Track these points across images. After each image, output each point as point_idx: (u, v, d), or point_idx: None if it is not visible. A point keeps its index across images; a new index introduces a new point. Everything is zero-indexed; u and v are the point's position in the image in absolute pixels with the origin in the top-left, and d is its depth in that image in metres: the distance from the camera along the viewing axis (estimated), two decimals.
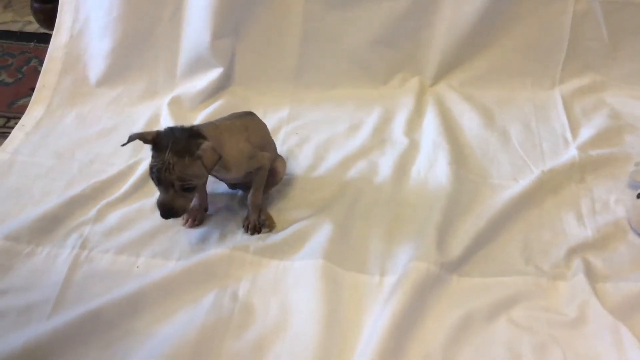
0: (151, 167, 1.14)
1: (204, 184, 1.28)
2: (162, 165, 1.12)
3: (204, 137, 1.15)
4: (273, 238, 1.26)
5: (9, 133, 1.55)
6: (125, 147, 1.48)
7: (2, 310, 1.13)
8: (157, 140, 1.14)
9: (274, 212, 1.33)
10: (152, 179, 1.15)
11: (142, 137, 1.16)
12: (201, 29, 1.61)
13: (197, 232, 1.29)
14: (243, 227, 1.28)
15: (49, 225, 1.29)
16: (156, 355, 1.05)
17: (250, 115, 1.35)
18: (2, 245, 1.24)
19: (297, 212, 1.32)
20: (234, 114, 1.34)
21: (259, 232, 1.27)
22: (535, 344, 1.09)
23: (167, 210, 1.14)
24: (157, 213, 1.28)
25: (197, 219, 1.30)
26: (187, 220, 1.30)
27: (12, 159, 1.47)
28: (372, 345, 1.04)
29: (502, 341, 1.09)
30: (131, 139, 1.16)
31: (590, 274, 1.19)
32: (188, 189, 1.15)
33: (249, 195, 1.28)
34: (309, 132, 1.56)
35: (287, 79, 1.68)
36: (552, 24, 1.64)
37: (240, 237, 1.27)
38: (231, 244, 1.25)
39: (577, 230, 1.29)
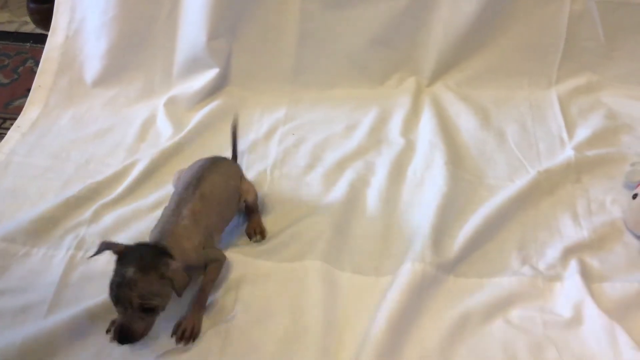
0: (111, 284, 1.03)
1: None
2: (122, 280, 1.02)
3: (170, 255, 1.05)
4: (270, 239, 1.26)
5: (5, 134, 1.55)
6: (120, 148, 1.51)
7: None
8: (124, 254, 1.05)
9: (270, 213, 1.33)
10: (111, 297, 1.03)
11: (111, 247, 1.07)
12: (197, 29, 1.61)
13: None
14: (173, 333, 1.10)
15: (44, 226, 1.29)
16: (154, 356, 1.05)
17: (211, 167, 1.23)
18: None
19: (294, 213, 1.32)
20: (196, 164, 1.25)
21: (193, 340, 1.09)
22: (531, 344, 1.09)
23: (124, 333, 1.01)
24: (153, 214, 1.29)
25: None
26: None
27: (8, 160, 1.47)
28: (369, 345, 1.05)
29: (498, 341, 1.09)
30: (100, 248, 1.07)
31: (586, 274, 1.18)
32: (148, 310, 1.03)
33: (196, 293, 1.13)
34: (305, 133, 1.56)
35: (284, 79, 1.68)
36: (548, 23, 1.64)
37: (238, 239, 1.27)
38: (229, 246, 1.25)
39: (573, 231, 1.29)
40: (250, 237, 1.27)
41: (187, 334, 1.09)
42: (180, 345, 1.08)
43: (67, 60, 1.69)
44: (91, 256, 1.09)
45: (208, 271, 1.14)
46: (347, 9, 1.63)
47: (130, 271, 1.02)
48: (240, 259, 1.22)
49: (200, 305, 1.12)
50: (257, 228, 1.28)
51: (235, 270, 1.20)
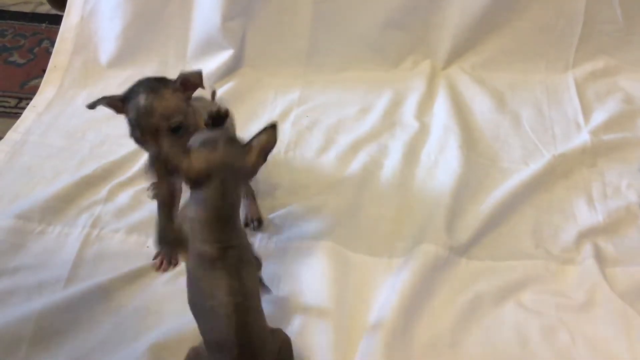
0: (131, 126, 0.97)
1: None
2: (138, 113, 0.96)
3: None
4: (281, 218, 1.27)
5: (21, 114, 1.56)
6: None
7: (14, 287, 1.14)
8: (127, 94, 1.00)
9: (283, 193, 1.33)
10: (134, 137, 0.98)
11: (110, 99, 1.01)
12: (211, 10, 1.60)
13: None
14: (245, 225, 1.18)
15: (60, 205, 1.30)
16: (166, 333, 1.06)
17: None
18: (14, 224, 1.25)
19: (307, 194, 1.32)
20: None
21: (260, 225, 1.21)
22: (543, 327, 1.09)
23: (169, 162, 0.86)
24: None
25: (173, 259, 1.18)
26: (160, 264, 1.17)
27: (24, 139, 1.48)
28: (380, 326, 1.05)
29: (510, 324, 1.09)
30: (98, 102, 1.02)
31: (600, 258, 1.18)
32: (177, 129, 0.98)
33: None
34: (319, 115, 1.56)
35: (298, 61, 1.67)
36: (565, 6, 1.62)
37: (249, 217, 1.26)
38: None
39: (587, 215, 1.28)
40: (247, 225, 1.24)
41: (255, 222, 1.21)
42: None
43: (82, 41, 1.69)
44: (88, 106, 1.02)
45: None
46: None
47: (141, 99, 0.96)
48: (252, 237, 1.22)
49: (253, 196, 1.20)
50: (254, 215, 1.26)
51: None
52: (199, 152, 0.87)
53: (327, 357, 1.03)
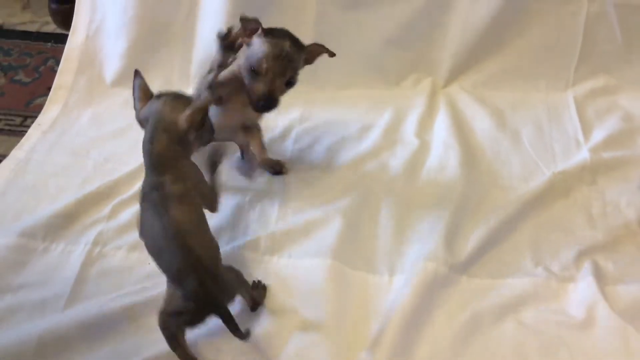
0: (260, 55, 1.18)
1: None
2: (280, 52, 1.18)
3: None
4: (281, 235, 1.28)
5: (26, 132, 1.58)
6: (139, 146, 1.50)
7: (17, 304, 1.15)
8: (269, 30, 1.20)
9: (284, 211, 1.34)
10: (258, 67, 1.18)
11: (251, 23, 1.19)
12: (215, 30, 1.61)
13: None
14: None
15: (63, 223, 1.31)
16: (169, 351, 1.07)
17: None
18: (18, 242, 1.26)
19: (307, 211, 1.33)
20: None
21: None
22: (542, 345, 1.09)
23: (270, 100, 1.21)
24: None
25: None
26: None
27: (28, 157, 1.50)
28: (379, 342, 1.06)
29: (509, 342, 1.10)
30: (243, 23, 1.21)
31: (600, 276, 1.18)
32: (290, 84, 1.22)
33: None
34: (320, 133, 1.57)
35: (300, 80, 1.68)
36: (565, 26, 1.63)
37: (250, 235, 1.28)
38: (242, 242, 1.26)
39: (587, 233, 1.28)
40: (276, 172, 1.41)
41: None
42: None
43: (87, 60, 1.71)
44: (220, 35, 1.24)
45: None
46: (363, 9, 1.64)
47: (287, 45, 1.17)
48: (249, 255, 1.24)
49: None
50: (274, 161, 1.42)
51: (245, 267, 1.20)
52: (151, 101, 1.06)
53: None
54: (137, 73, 1.08)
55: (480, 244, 1.25)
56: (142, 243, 1.25)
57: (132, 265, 1.23)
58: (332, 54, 1.27)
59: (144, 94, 1.07)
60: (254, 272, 1.21)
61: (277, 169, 1.43)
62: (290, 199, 1.37)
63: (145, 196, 1.03)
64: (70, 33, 1.75)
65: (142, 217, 1.03)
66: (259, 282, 1.17)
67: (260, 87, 1.20)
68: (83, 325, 1.11)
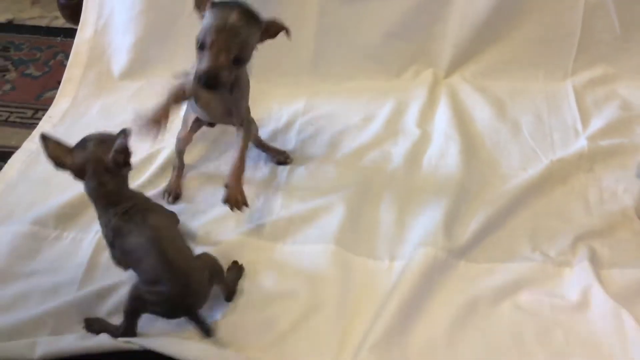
0: (206, 28, 1.08)
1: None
2: (224, 24, 1.07)
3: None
4: (285, 223, 1.31)
5: (37, 124, 1.62)
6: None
7: (30, 289, 1.19)
8: (220, 2, 1.11)
9: (287, 198, 1.38)
10: (203, 40, 1.08)
11: None
12: None
13: (211, 217, 1.34)
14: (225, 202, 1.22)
15: (74, 212, 1.34)
16: (173, 332, 1.10)
17: None
18: (31, 230, 1.30)
19: (310, 198, 1.37)
20: None
21: (245, 205, 1.23)
22: (538, 327, 1.12)
23: (212, 77, 1.08)
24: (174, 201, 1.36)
25: (172, 195, 1.37)
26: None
27: (40, 149, 1.51)
28: (378, 326, 1.09)
29: (506, 325, 1.13)
30: None
31: (596, 260, 1.21)
32: (239, 62, 1.11)
33: (234, 162, 1.25)
34: (324, 123, 1.60)
35: (303, 72, 1.72)
36: (563, 16, 1.65)
37: (255, 222, 1.31)
38: (247, 229, 1.30)
39: (584, 219, 1.31)
40: (281, 162, 1.43)
41: (239, 202, 1.21)
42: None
43: (96, 54, 1.75)
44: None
45: (243, 136, 1.27)
46: (364, 2, 1.66)
47: (233, 17, 1.06)
48: (254, 242, 1.27)
49: (240, 171, 1.23)
50: (279, 151, 1.45)
51: (248, 253, 1.25)
52: (76, 151, 1.08)
53: (327, 356, 1.07)
54: (44, 138, 1.09)
55: (479, 230, 1.28)
56: None
57: None
58: (289, 34, 1.21)
59: (61, 150, 1.09)
60: (259, 258, 1.24)
61: (281, 159, 1.46)
62: (294, 188, 1.41)
63: (125, 218, 1.07)
64: (79, 28, 1.78)
65: (121, 242, 1.08)
66: (235, 263, 1.20)
67: (202, 62, 1.11)
68: (94, 308, 1.15)
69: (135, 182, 1.42)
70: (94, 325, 1.12)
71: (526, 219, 1.32)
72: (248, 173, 1.44)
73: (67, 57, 1.78)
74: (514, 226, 1.30)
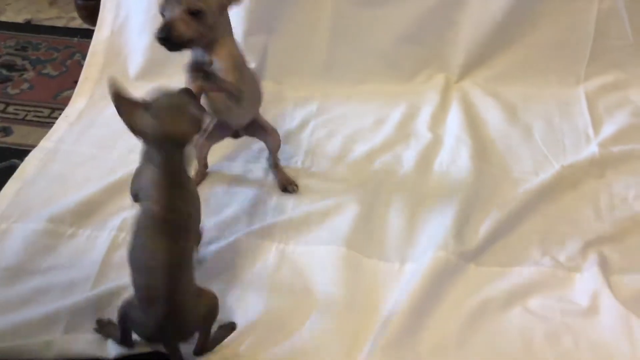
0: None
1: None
2: None
3: None
4: (296, 223, 1.32)
5: (54, 123, 1.63)
6: None
7: (46, 285, 1.21)
8: None
9: (299, 199, 1.39)
10: (160, 5, 1.09)
11: None
12: (235, 27, 1.66)
13: (225, 215, 1.35)
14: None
15: (90, 209, 1.36)
16: None
17: None
18: (47, 227, 1.32)
19: (322, 201, 1.38)
20: None
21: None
22: (548, 331, 1.13)
23: (167, 29, 1.07)
24: None
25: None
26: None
27: (57, 148, 1.55)
28: (388, 328, 1.10)
29: (515, 329, 1.13)
30: None
31: (605, 266, 1.22)
32: (197, 14, 1.09)
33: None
34: (336, 126, 1.61)
35: (317, 75, 1.73)
36: (576, 21, 1.66)
37: (267, 222, 1.33)
38: (258, 229, 1.31)
39: (594, 224, 1.32)
40: (285, 190, 1.41)
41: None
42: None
43: (112, 54, 1.76)
44: None
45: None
46: (378, 6, 1.67)
47: None
48: (265, 242, 1.28)
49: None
50: (288, 179, 1.41)
51: (260, 253, 1.26)
52: (146, 118, 0.96)
53: (337, 357, 1.08)
54: (117, 96, 0.99)
55: (489, 233, 1.29)
56: None
57: None
58: None
59: (129, 104, 0.99)
60: (270, 258, 1.26)
61: (287, 187, 1.41)
62: (305, 190, 1.42)
63: (165, 217, 0.98)
64: (96, 29, 1.80)
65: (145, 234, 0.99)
66: (231, 323, 1.14)
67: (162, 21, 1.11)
68: (109, 303, 1.16)
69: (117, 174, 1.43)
70: (104, 328, 1.11)
71: (536, 224, 1.32)
72: (260, 174, 1.47)
73: (84, 57, 1.80)
74: (524, 230, 1.31)
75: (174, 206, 0.98)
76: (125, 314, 1.04)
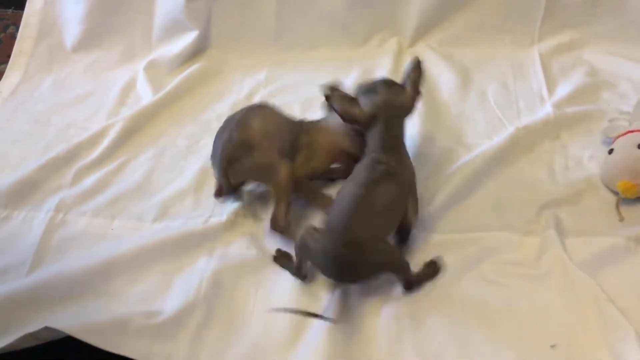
0: None
1: None
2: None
3: None
4: (246, 199, 1.27)
5: None
6: (101, 112, 1.52)
7: None
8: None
9: None
10: None
11: None
12: None
13: (172, 192, 1.30)
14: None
15: (25, 190, 1.31)
16: (131, 313, 1.07)
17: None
18: None
19: None
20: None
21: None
22: (503, 297, 1.10)
23: None
24: (132, 177, 1.32)
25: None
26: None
27: None
28: (338, 292, 1.08)
29: (472, 295, 1.11)
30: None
31: (561, 229, 1.19)
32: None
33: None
34: (287, 95, 1.56)
35: (265, 41, 1.67)
36: None
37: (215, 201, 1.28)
38: (209, 208, 1.26)
39: (549, 187, 1.29)
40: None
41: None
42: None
43: (47, 26, 1.69)
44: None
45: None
46: None
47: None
48: (217, 220, 1.23)
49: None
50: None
51: (211, 230, 1.22)
52: (365, 99, 1.11)
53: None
54: (332, 91, 1.13)
55: (444, 200, 1.25)
56: (105, 208, 1.27)
57: (96, 231, 1.23)
58: None
59: (348, 102, 1.12)
60: (218, 235, 1.21)
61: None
62: None
63: (366, 167, 1.09)
64: None
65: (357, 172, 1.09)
66: (436, 261, 1.15)
67: None
68: (46, 290, 1.11)
69: (89, 157, 1.37)
70: (280, 258, 1.14)
71: (492, 189, 1.29)
72: None
73: (18, 29, 1.72)
74: (478, 196, 1.28)
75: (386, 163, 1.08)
76: (304, 241, 1.05)
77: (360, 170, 1.09)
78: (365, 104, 1.11)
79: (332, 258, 1.02)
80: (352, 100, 1.12)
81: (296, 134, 1.24)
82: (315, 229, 1.06)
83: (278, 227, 1.17)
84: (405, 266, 1.09)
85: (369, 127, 1.11)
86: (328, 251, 1.01)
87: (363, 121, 1.11)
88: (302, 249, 1.07)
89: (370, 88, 1.13)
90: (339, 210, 1.04)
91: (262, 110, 1.25)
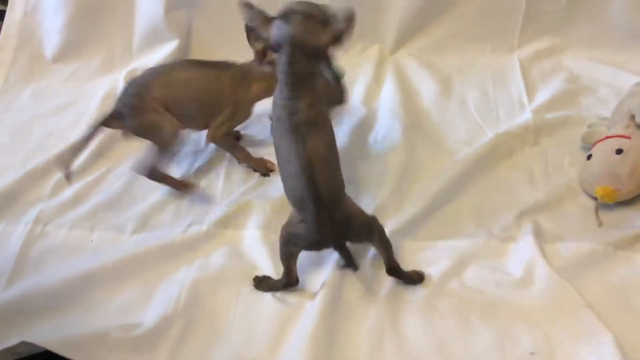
0: None
1: None
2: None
3: None
4: (225, 210, 1.27)
5: None
6: (81, 122, 1.50)
7: None
8: None
9: (227, 184, 1.35)
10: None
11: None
12: (155, 1, 1.60)
13: (151, 203, 1.29)
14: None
15: (4, 202, 1.30)
16: (110, 326, 1.06)
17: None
18: None
19: (248, 180, 1.34)
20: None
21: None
22: (482, 303, 1.10)
23: None
24: (112, 187, 1.31)
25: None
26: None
27: None
28: (317, 307, 1.07)
29: (451, 302, 1.11)
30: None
31: (540, 234, 1.20)
32: None
33: None
34: (266, 103, 1.55)
35: (245, 50, 1.66)
36: None
37: (196, 210, 1.28)
38: (188, 218, 1.26)
39: (529, 193, 1.30)
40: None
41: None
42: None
43: (26, 36, 1.68)
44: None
45: None
46: None
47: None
48: (198, 229, 1.24)
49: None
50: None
51: (191, 241, 1.22)
52: (278, 24, 1.03)
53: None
54: (246, 4, 1.07)
55: (423, 207, 1.26)
56: (84, 220, 1.26)
57: (75, 243, 1.23)
58: None
59: (262, 20, 1.06)
60: (199, 245, 1.20)
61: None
62: (234, 171, 1.37)
63: (281, 119, 1.04)
64: (8, 9, 1.71)
65: (276, 138, 1.06)
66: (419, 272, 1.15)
67: None
68: (24, 302, 1.10)
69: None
70: (261, 284, 1.12)
71: (471, 195, 1.30)
72: None
73: None
74: (458, 202, 1.29)
75: (294, 107, 1.02)
76: (287, 234, 1.06)
77: (283, 131, 1.04)
78: (274, 30, 1.04)
79: (318, 228, 1.01)
80: (266, 20, 1.05)
81: (218, 91, 1.30)
82: (293, 217, 1.06)
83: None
84: (376, 221, 1.09)
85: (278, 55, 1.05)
86: (316, 215, 1.00)
87: (269, 46, 1.06)
88: (292, 242, 1.06)
89: (287, 14, 1.04)
90: (293, 186, 1.03)
91: (178, 71, 1.31)
